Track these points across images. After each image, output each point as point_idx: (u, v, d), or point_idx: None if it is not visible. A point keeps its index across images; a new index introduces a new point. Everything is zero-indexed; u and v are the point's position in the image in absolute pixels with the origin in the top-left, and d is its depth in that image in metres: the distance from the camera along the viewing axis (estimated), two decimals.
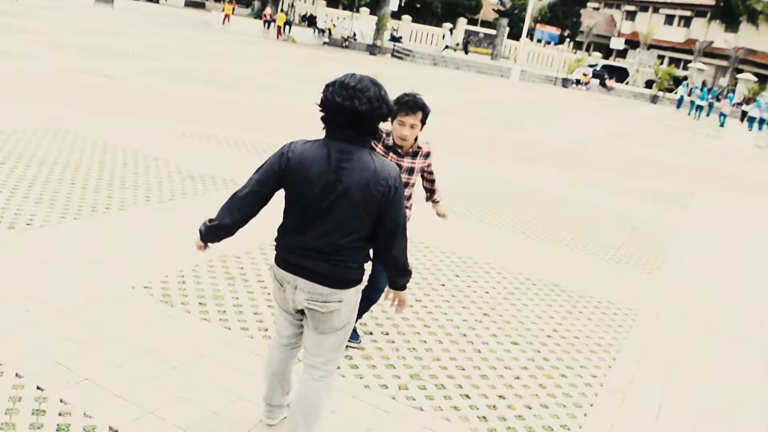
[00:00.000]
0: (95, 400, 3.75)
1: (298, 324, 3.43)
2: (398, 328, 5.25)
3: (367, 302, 4.57)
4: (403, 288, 3.43)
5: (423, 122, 4.43)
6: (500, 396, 4.54)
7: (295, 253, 3.15)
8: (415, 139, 4.53)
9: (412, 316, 5.51)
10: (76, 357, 4.14)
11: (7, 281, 5.00)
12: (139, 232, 6.35)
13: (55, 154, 8.38)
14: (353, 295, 3.23)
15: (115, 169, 8.12)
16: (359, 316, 4.68)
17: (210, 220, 3.29)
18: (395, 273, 3.36)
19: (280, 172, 3.11)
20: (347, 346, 4.70)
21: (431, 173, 4.92)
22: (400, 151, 4.53)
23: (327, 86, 3.04)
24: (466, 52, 48.82)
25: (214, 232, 3.29)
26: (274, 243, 3.25)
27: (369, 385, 4.40)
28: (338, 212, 3.04)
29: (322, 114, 3.06)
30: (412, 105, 4.35)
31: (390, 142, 4.52)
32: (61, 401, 3.70)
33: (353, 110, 2.95)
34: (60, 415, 3.60)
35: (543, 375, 4.94)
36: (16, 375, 3.88)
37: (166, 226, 6.58)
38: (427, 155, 4.66)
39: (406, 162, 4.55)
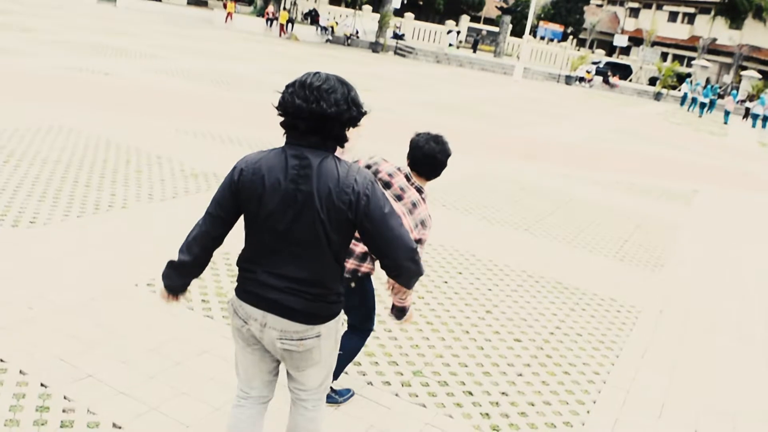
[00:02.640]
0: (99, 397, 3.76)
1: (271, 367, 2.95)
2: (401, 325, 5.26)
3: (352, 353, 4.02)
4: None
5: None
6: (503, 393, 4.54)
7: (266, 286, 2.68)
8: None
9: (415, 313, 5.50)
10: (79, 354, 4.15)
11: (11, 279, 5.01)
12: (142, 229, 6.36)
13: (58, 152, 8.39)
14: (334, 325, 2.79)
15: (117, 167, 8.13)
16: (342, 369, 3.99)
17: (170, 262, 2.89)
18: (400, 281, 2.86)
19: (234, 187, 2.67)
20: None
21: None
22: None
23: (287, 87, 2.64)
24: (474, 51, 48.77)
25: (175, 275, 2.88)
26: (238, 273, 2.80)
27: (372, 381, 4.40)
28: (302, 229, 2.60)
29: (281, 119, 2.65)
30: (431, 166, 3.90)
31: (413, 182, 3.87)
32: (64, 398, 3.71)
33: (317, 114, 2.55)
34: (64, 411, 3.61)
35: (546, 372, 4.94)
36: (20, 372, 3.89)
37: (168, 223, 6.58)
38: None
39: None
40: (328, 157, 2.63)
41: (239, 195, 2.66)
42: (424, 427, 4.01)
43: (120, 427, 3.55)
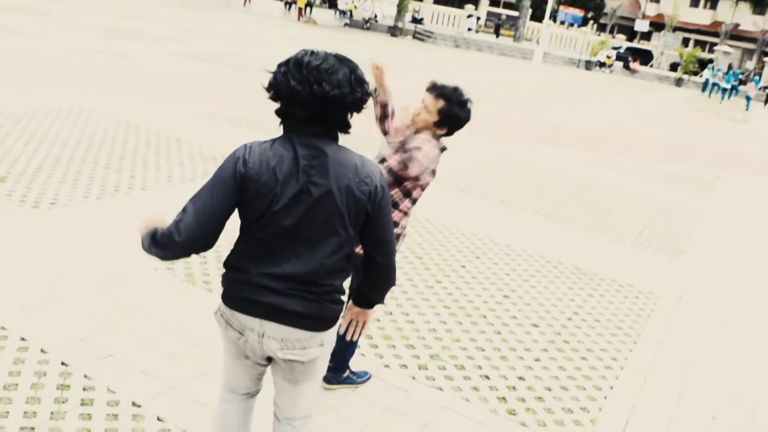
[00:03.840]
0: (118, 376, 3.80)
1: (262, 372, 2.75)
2: (418, 309, 5.26)
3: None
4: (371, 306, 2.77)
5: (445, 119, 3.68)
6: (520, 377, 4.54)
7: (264, 289, 2.40)
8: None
9: (432, 297, 5.51)
10: (99, 334, 4.19)
11: (32, 259, 5.06)
12: (162, 211, 6.39)
13: (78, 134, 8.44)
14: (333, 333, 2.57)
15: (137, 150, 8.17)
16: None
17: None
18: (374, 293, 2.69)
19: (237, 180, 2.35)
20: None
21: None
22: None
23: (279, 66, 2.36)
24: (497, 35, 48.46)
25: (155, 244, 2.46)
26: (225, 277, 2.55)
27: (389, 364, 4.41)
28: (316, 225, 2.36)
29: (276, 106, 2.39)
30: (441, 88, 3.67)
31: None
32: (85, 377, 3.76)
33: (318, 97, 2.28)
34: (84, 390, 3.65)
35: (563, 357, 4.93)
36: (41, 351, 3.93)
37: None
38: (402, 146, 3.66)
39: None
40: (339, 146, 2.42)
41: (242, 189, 2.35)
42: (440, 410, 4.02)
43: (139, 406, 3.58)
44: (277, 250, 2.39)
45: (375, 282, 2.62)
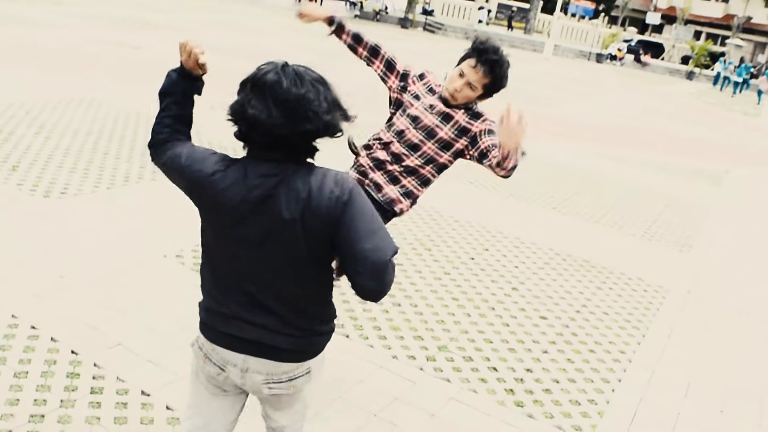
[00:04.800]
0: (128, 365, 3.83)
1: (237, 412, 2.48)
2: (426, 300, 5.27)
3: None
4: None
5: (488, 92, 3.49)
6: (528, 369, 4.54)
7: (242, 322, 2.18)
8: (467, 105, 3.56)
9: (441, 289, 5.51)
10: (109, 322, 4.21)
11: (42, 248, 5.09)
12: (171, 201, 6.41)
13: (88, 125, 8.47)
14: (322, 356, 2.35)
15: (147, 140, 8.18)
16: None
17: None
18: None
19: (186, 177, 2.26)
20: None
21: (496, 144, 3.43)
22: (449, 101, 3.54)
23: (241, 87, 2.11)
24: (509, 28, 48.26)
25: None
26: (201, 306, 2.33)
27: (397, 355, 4.42)
28: (278, 255, 2.11)
29: (234, 129, 2.13)
30: (488, 61, 3.38)
31: (443, 92, 3.59)
32: (94, 365, 3.78)
33: (298, 133, 2.02)
34: (94, 378, 3.67)
35: (571, 350, 4.93)
36: (52, 339, 3.96)
37: None
38: (477, 115, 3.57)
39: (459, 116, 3.53)
40: (300, 169, 2.09)
41: (193, 193, 2.23)
42: (448, 402, 4.03)
43: (148, 395, 3.60)
44: (247, 281, 2.17)
45: (360, 295, 2.19)
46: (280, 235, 2.08)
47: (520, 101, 17.29)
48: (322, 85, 2.07)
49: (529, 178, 9.70)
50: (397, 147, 3.55)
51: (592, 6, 51.82)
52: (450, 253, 6.28)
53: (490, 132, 3.47)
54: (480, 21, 47.01)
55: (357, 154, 3.67)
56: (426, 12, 44.34)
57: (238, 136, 2.12)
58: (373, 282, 2.08)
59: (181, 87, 2.40)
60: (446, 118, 3.52)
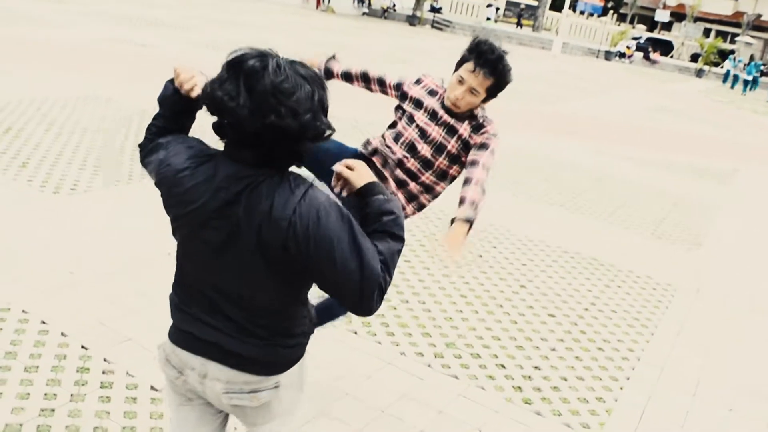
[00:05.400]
0: (137, 360, 3.84)
1: (213, 424, 2.24)
2: (435, 297, 5.27)
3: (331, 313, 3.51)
4: None
5: (492, 93, 3.30)
6: (536, 367, 4.54)
7: (200, 323, 2.02)
8: (472, 113, 3.39)
9: (449, 286, 5.52)
10: (118, 318, 4.24)
11: (52, 244, 5.11)
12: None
13: (97, 122, 8.50)
14: (297, 370, 2.13)
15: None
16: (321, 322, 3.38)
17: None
18: None
19: (158, 173, 2.05)
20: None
21: (475, 161, 3.32)
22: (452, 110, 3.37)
23: (214, 80, 1.87)
24: (519, 26, 48.18)
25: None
26: (170, 300, 2.21)
27: (405, 352, 4.43)
28: (237, 265, 1.92)
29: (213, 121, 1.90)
30: (487, 62, 3.16)
31: (444, 101, 3.40)
32: (104, 360, 3.80)
33: (270, 128, 1.77)
34: (104, 373, 3.69)
35: (579, 348, 4.92)
36: (62, 334, 3.98)
37: None
38: (479, 127, 3.37)
39: (463, 130, 3.38)
40: (272, 177, 1.86)
41: (161, 189, 2.04)
42: (456, 398, 4.03)
43: (157, 390, 3.62)
44: (208, 278, 2.01)
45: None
46: (238, 245, 1.89)
47: (527, 99, 17.30)
48: (313, 83, 1.82)
49: (537, 176, 9.70)
50: (412, 164, 3.43)
51: (600, 3, 51.60)
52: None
53: (482, 146, 3.34)
54: (488, 18, 46.96)
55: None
56: (434, 9, 44.31)
57: (215, 128, 1.90)
58: (357, 312, 1.92)
59: (172, 101, 2.21)
60: (451, 130, 3.38)
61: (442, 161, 3.42)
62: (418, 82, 3.58)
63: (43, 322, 4.07)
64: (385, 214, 1.99)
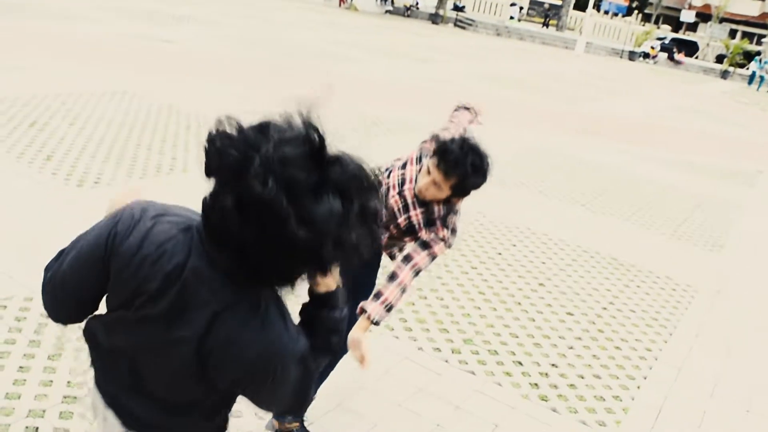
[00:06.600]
0: None
1: None
2: (453, 294, 5.29)
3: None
4: None
5: (456, 193, 2.98)
6: (553, 364, 4.55)
7: (120, 404, 1.74)
8: (443, 202, 3.08)
9: (468, 283, 5.53)
10: None
11: (75, 236, 5.17)
12: (202, 193, 6.49)
13: (121, 116, 8.59)
14: None
15: (178, 132, 8.29)
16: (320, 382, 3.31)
17: None
18: None
19: (103, 257, 1.69)
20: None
21: (409, 258, 3.09)
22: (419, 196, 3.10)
23: (215, 133, 1.47)
24: (545, 25, 48.00)
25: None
26: None
27: (422, 347, 4.45)
28: (165, 363, 1.60)
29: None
30: (450, 164, 2.87)
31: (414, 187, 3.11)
32: None
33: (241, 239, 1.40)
34: None
35: (597, 346, 4.92)
36: (80, 328, 4.03)
37: None
38: (430, 222, 3.11)
39: (414, 214, 3.13)
40: (242, 301, 1.50)
41: (108, 271, 1.66)
42: (472, 394, 4.05)
43: None
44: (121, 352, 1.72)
45: None
46: (175, 351, 1.56)
47: (549, 98, 17.24)
48: (352, 167, 1.39)
49: (559, 175, 9.68)
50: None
51: (625, 3, 51.33)
52: (477, 248, 6.29)
53: (424, 244, 3.11)
54: (511, 17, 46.78)
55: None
56: (457, 8, 44.22)
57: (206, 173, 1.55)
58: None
59: None
60: (405, 208, 3.15)
61: (392, 227, 3.25)
62: (403, 166, 3.26)
63: None
64: (335, 333, 1.72)
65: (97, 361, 1.81)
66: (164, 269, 1.53)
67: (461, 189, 2.95)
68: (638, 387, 4.48)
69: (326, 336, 1.69)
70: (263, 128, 1.42)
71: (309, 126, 1.40)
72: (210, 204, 1.50)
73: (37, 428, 3.21)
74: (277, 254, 1.38)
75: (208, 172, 1.52)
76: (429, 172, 2.94)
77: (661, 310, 5.75)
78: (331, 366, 3.31)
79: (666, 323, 5.52)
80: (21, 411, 3.28)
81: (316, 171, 1.35)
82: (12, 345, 3.78)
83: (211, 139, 1.47)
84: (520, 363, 4.49)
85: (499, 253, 6.29)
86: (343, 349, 2.85)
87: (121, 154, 7.17)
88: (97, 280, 1.68)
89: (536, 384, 4.29)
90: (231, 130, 1.45)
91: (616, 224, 7.93)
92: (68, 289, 1.76)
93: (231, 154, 1.40)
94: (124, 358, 1.67)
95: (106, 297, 1.70)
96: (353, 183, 1.37)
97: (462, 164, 2.85)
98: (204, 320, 1.49)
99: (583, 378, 4.46)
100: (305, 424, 3.47)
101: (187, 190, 6.48)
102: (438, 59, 21.52)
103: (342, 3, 40.24)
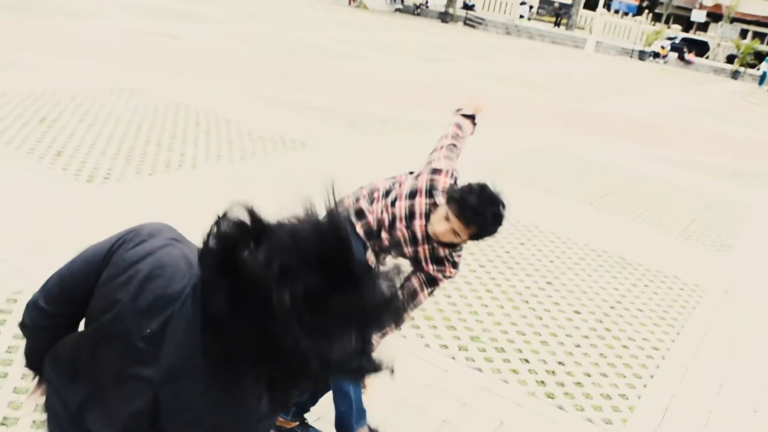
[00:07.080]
0: None
1: None
2: (461, 292, 5.30)
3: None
4: None
5: (474, 239, 3.03)
6: (560, 362, 4.55)
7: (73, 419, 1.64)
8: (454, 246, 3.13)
9: (475, 281, 5.54)
10: None
11: (85, 231, 5.21)
12: (211, 189, 6.52)
13: (130, 113, 8.62)
14: None
15: (187, 129, 8.32)
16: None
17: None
18: None
19: (105, 256, 1.64)
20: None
21: (415, 293, 3.21)
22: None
23: (234, 235, 1.37)
24: (557, 24, 47.90)
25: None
26: None
27: (429, 344, 4.46)
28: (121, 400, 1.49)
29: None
30: (470, 216, 2.88)
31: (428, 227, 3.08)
32: None
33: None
34: None
35: (604, 345, 4.92)
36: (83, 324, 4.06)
37: (236, 184, 6.73)
38: (439, 261, 3.16)
39: (422, 249, 3.14)
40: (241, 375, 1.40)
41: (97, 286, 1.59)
42: (479, 390, 4.06)
43: None
44: (93, 399, 1.63)
45: None
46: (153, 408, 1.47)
47: (558, 97, 17.21)
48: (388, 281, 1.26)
49: (567, 174, 9.66)
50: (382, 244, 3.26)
51: (635, 2, 51.16)
52: (485, 246, 6.29)
53: (430, 280, 3.20)
54: (521, 16, 46.67)
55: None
56: (467, 6, 44.16)
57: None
58: None
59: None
60: (413, 242, 3.14)
61: (394, 254, 3.24)
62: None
63: None
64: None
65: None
66: (157, 293, 1.48)
67: (480, 237, 3.00)
68: (645, 386, 4.48)
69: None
70: (290, 248, 1.26)
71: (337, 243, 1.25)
72: (224, 311, 1.30)
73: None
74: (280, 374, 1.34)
75: (221, 275, 1.35)
76: (447, 218, 2.92)
77: (669, 310, 5.74)
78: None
79: (673, 322, 5.51)
80: (29, 405, 3.30)
81: (341, 300, 1.20)
82: (22, 340, 3.80)
83: (231, 246, 1.31)
84: (527, 360, 4.50)
85: (507, 252, 6.29)
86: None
87: (130, 150, 7.20)
88: (94, 275, 1.64)
89: (543, 382, 4.29)
90: (253, 245, 1.29)
91: (623, 223, 7.92)
92: (70, 278, 1.73)
93: (254, 278, 1.25)
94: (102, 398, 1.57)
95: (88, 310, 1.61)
96: (378, 312, 1.24)
97: (482, 214, 2.88)
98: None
99: (589, 376, 4.46)
100: (312, 420, 3.49)
101: (196, 186, 6.51)
102: (447, 58, 21.51)
103: (352, 1, 40.24)
